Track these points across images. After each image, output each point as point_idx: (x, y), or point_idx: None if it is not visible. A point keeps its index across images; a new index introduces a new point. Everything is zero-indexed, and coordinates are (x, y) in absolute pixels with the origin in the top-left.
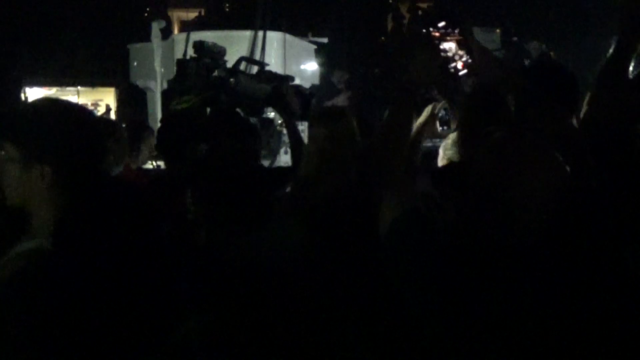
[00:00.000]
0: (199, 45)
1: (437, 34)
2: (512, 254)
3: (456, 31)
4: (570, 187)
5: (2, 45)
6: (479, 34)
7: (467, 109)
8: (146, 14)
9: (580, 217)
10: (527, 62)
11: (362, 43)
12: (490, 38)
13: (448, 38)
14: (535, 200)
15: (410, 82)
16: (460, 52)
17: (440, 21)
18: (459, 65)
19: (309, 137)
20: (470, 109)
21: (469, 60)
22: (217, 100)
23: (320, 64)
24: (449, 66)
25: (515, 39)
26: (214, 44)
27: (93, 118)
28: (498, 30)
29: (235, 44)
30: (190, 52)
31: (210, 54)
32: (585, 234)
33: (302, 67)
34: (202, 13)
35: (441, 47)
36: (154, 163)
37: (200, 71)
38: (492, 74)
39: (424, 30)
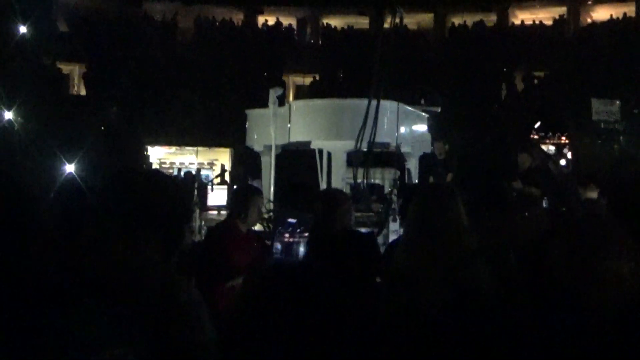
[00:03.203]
0: None
1: (536, 137)
2: None
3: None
4: None
5: (128, 109)
6: (598, 105)
7: None
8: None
9: None
10: None
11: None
12: (610, 109)
13: (547, 141)
14: None
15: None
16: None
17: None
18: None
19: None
20: None
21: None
22: None
23: (432, 133)
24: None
25: (635, 110)
26: None
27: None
28: (618, 102)
29: (349, 112)
30: None
31: None
32: None
33: (414, 135)
34: (317, 78)
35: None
36: (264, 225)
37: None
38: None
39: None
